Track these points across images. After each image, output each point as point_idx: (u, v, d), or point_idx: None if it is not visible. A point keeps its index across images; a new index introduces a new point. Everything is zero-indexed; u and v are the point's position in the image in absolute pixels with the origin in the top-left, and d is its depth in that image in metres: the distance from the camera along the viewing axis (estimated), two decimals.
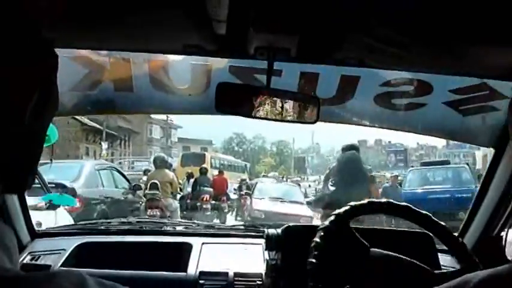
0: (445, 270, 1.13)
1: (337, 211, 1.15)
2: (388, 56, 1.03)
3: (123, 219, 1.82)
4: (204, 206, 8.65)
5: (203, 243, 1.54)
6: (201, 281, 1.37)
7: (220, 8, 0.80)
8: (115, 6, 0.81)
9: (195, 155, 18.57)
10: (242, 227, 1.83)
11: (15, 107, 0.38)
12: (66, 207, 4.69)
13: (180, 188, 8.43)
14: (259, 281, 1.36)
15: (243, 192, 10.73)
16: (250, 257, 1.48)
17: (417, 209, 1.21)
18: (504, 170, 1.40)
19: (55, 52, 0.43)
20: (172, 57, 1.41)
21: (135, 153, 24.35)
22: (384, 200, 1.23)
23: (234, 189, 11.66)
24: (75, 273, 0.35)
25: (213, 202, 9.13)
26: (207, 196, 8.85)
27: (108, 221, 1.85)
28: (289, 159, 41.58)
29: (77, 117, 18.95)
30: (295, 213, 8.39)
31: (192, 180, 9.84)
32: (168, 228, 1.75)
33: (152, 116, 28.22)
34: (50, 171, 4.66)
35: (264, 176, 19.50)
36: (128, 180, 7.50)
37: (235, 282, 1.37)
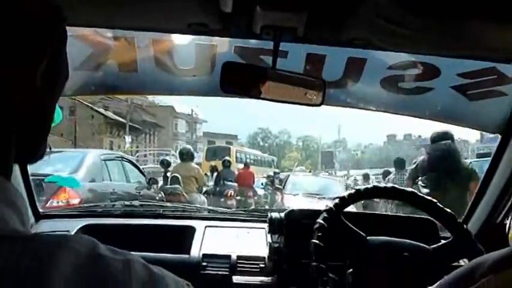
0: (441, 243, 1.13)
1: (342, 194, 1.15)
2: (396, 37, 1.01)
3: (126, 202, 1.83)
4: (229, 202, 7.53)
5: (206, 227, 1.55)
6: (204, 263, 1.38)
7: None
8: None
9: (220, 149, 18.07)
10: (245, 212, 1.84)
11: (26, 69, 0.38)
12: (54, 204, 4.24)
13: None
14: (262, 264, 1.37)
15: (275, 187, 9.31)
16: (253, 241, 1.48)
17: (422, 195, 1.21)
18: (510, 157, 1.38)
19: (64, 18, 0.42)
20: (177, 38, 1.39)
21: (161, 148, 23.41)
22: (389, 184, 1.23)
23: (262, 184, 10.71)
24: (86, 238, 0.35)
25: (238, 198, 8.03)
26: (231, 191, 7.84)
27: (112, 203, 1.87)
28: (315, 153, 39.89)
29: (100, 110, 18.61)
30: None
31: (215, 174, 9.05)
32: (172, 211, 1.76)
33: (177, 110, 28.09)
34: (49, 162, 4.29)
35: (289, 170, 18.28)
36: (143, 173, 6.59)
37: (238, 265, 1.38)
